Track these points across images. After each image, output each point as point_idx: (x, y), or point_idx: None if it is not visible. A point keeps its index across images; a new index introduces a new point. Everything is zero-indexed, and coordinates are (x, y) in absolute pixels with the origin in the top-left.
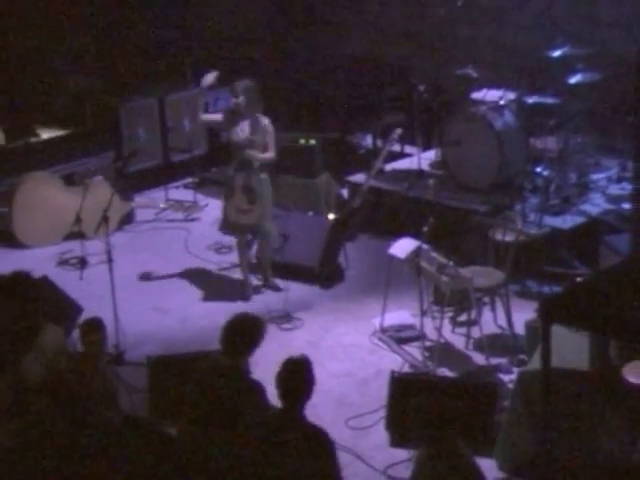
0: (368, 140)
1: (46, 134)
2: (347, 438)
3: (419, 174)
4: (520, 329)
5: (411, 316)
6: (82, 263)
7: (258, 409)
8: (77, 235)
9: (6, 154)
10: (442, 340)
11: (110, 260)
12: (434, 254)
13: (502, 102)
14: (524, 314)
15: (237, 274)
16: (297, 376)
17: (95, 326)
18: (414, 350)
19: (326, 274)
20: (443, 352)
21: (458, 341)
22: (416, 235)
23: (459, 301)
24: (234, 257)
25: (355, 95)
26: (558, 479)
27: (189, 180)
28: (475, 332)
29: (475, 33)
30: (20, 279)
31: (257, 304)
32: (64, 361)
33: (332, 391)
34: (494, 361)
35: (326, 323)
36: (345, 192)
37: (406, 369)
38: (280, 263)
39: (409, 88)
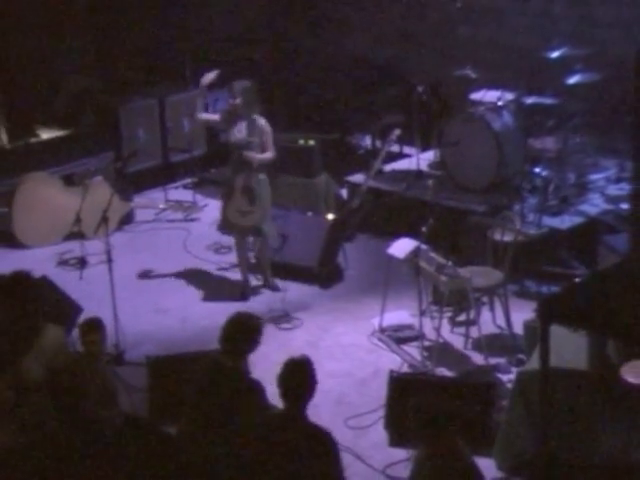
0: (367, 140)
1: (46, 134)
2: (346, 438)
3: (418, 174)
4: (519, 329)
5: (410, 316)
6: (82, 263)
7: (258, 409)
8: (77, 235)
9: (6, 154)
10: (441, 340)
11: (110, 260)
12: (433, 254)
13: (501, 103)
14: (523, 314)
15: (236, 274)
16: (299, 376)
17: (95, 326)
18: (413, 350)
19: (325, 274)
20: (442, 352)
21: (457, 341)
22: (415, 235)
23: (458, 301)
24: (233, 257)
25: (354, 96)
26: (557, 479)
27: (188, 180)
28: (474, 332)
29: (474, 34)
30: (20, 279)
31: (256, 304)
32: (64, 360)
33: (331, 391)
34: (493, 361)
35: (325, 323)
36: (344, 192)
37: (405, 369)
38: (279, 263)
39: (408, 89)
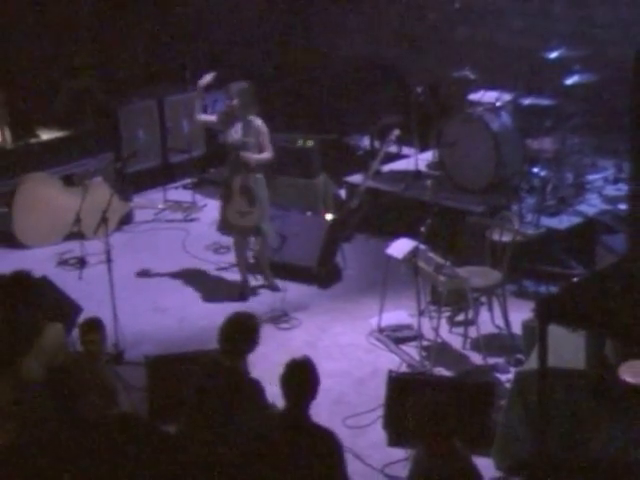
0: (366, 141)
1: (46, 135)
2: (344, 437)
3: (416, 175)
4: (517, 329)
5: (408, 316)
6: (81, 263)
7: (257, 408)
8: (76, 235)
9: (6, 155)
10: (439, 340)
11: (109, 260)
12: (431, 254)
13: (499, 103)
14: (521, 314)
15: (235, 274)
16: (302, 376)
17: (95, 326)
18: (411, 350)
19: (324, 274)
20: (440, 352)
21: (455, 341)
22: (413, 235)
23: (456, 301)
24: (232, 257)
25: (353, 96)
26: (555, 478)
27: (188, 181)
28: (472, 332)
29: (472, 35)
30: (21, 279)
31: (255, 304)
32: (63, 360)
33: (329, 390)
34: (491, 361)
35: (324, 323)
36: (343, 193)
37: (403, 369)
38: (278, 263)
39: (406, 90)
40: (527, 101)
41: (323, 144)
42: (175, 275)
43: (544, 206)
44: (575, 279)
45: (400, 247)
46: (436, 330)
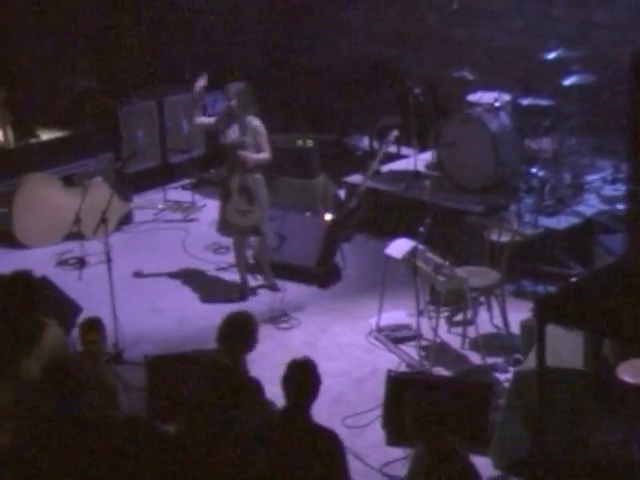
0: (365, 142)
1: (46, 135)
2: (343, 437)
3: (415, 175)
4: (515, 329)
5: (407, 316)
6: (81, 263)
7: (257, 406)
8: (76, 235)
9: (6, 155)
10: (438, 340)
11: (109, 260)
12: (430, 254)
13: (497, 104)
14: (519, 314)
15: (234, 274)
16: (303, 377)
17: (95, 326)
18: (410, 350)
19: (323, 274)
20: (439, 351)
21: (454, 341)
22: (412, 235)
23: (455, 301)
24: (232, 257)
25: (352, 97)
26: (553, 477)
27: (187, 181)
28: (471, 332)
29: (470, 36)
30: (22, 279)
31: (254, 304)
32: (61, 360)
33: (329, 390)
34: (490, 360)
35: (323, 323)
36: (342, 193)
37: (402, 368)
38: (278, 263)
39: (405, 90)
40: (525, 101)
41: (322, 144)
42: (175, 275)
43: (542, 206)
44: (573, 279)
45: (399, 247)
46: (435, 330)
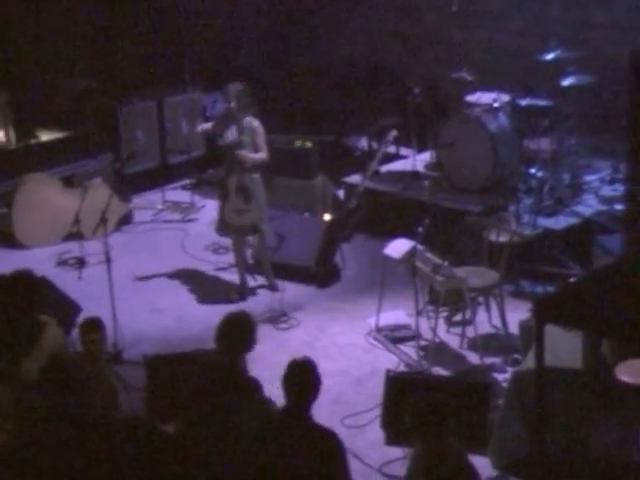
0: (363, 142)
1: (46, 136)
2: (343, 436)
3: (414, 175)
4: (514, 329)
5: (406, 316)
6: (81, 263)
7: (256, 405)
8: (76, 236)
9: (6, 156)
10: (437, 340)
11: (108, 260)
12: (429, 254)
13: (496, 104)
14: (518, 314)
15: (234, 274)
16: (304, 377)
17: (95, 325)
18: (409, 349)
19: (322, 274)
20: (438, 351)
21: (453, 341)
22: (411, 235)
23: (454, 301)
24: (231, 257)
25: (351, 98)
26: (551, 477)
27: (186, 181)
28: (470, 332)
29: (469, 37)
30: (23, 279)
31: (253, 304)
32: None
33: (328, 390)
34: (488, 360)
35: (322, 323)
36: (341, 193)
37: (401, 368)
38: (277, 263)
39: (404, 91)
40: (524, 102)
41: (321, 145)
42: (174, 275)
43: (541, 206)
44: (572, 279)
45: (398, 247)
46: (434, 330)
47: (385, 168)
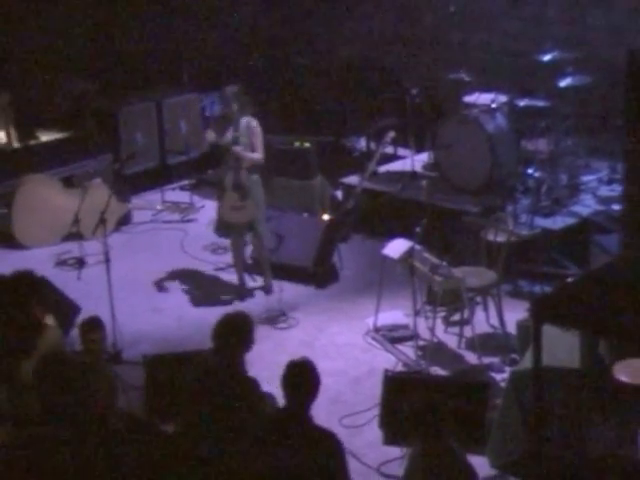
0: (362, 143)
1: (45, 137)
2: (341, 436)
3: (412, 176)
4: (512, 328)
5: (404, 316)
6: (80, 263)
7: (255, 404)
8: (75, 236)
9: (7, 156)
10: (435, 339)
11: (107, 260)
12: (427, 254)
13: (494, 105)
14: (516, 314)
15: (233, 275)
16: (303, 377)
17: (95, 325)
18: (407, 349)
19: (320, 274)
20: (436, 351)
21: (451, 340)
22: (409, 236)
23: (452, 301)
24: (230, 258)
25: (349, 98)
26: (549, 476)
27: (185, 182)
28: (467, 331)
29: (467, 38)
30: (24, 279)
31: (252, 304)
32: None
33: (326, 390)
34: (486, 360)
35: (320, 322)
36: (339, 194)
37: (399, 368)
38: (275, 263)
39: (402, 92)
40: (521, 103)
41: (320, 145)
42: (173, 275)
43: (539, 207)
44: (569, 279)
45: (396, 247)
46: (432, 330)
47: (383, 168)
